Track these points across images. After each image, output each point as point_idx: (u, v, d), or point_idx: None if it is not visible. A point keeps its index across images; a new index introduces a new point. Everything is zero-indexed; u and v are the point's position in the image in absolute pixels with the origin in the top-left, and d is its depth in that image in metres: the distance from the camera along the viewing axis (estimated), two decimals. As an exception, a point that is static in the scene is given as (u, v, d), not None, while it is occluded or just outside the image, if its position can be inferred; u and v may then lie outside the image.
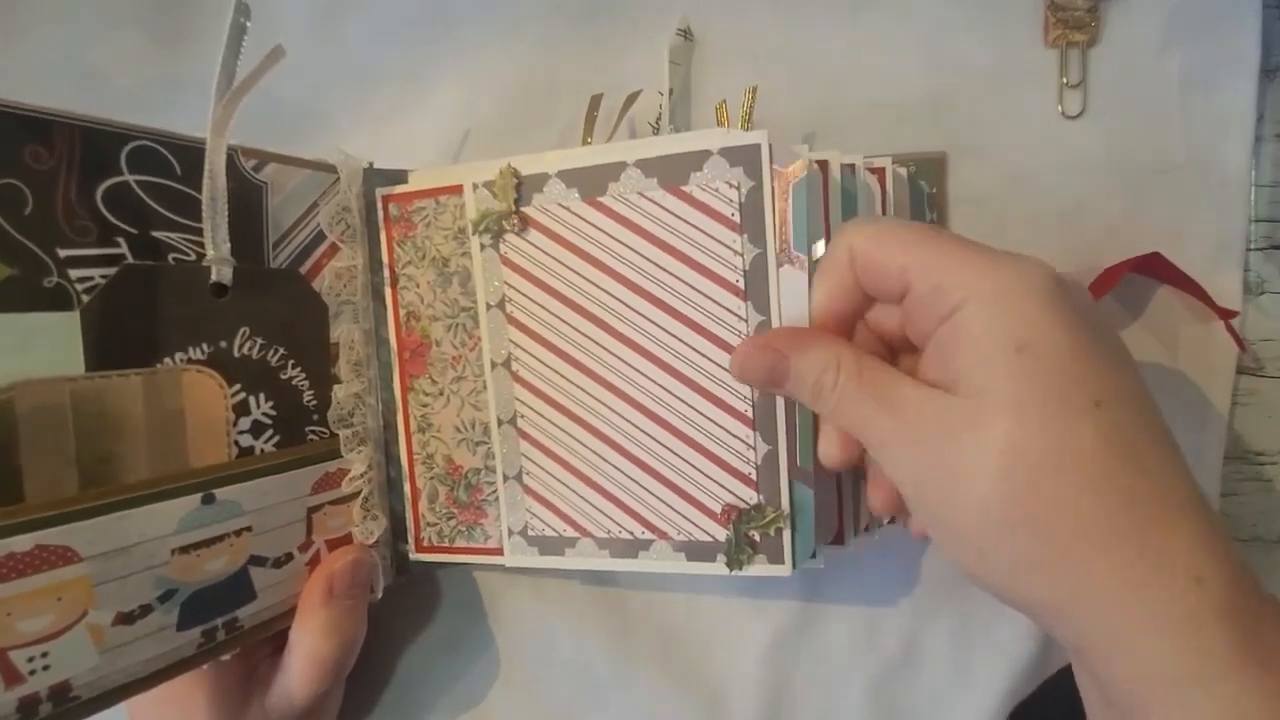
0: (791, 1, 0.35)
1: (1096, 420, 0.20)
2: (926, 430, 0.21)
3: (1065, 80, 0.33)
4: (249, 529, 0.28)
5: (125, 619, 0.25)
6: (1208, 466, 0.33)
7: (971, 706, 0.35)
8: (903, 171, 0.31)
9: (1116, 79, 0.33)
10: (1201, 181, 0.32)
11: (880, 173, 0.31)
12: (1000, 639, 0.35)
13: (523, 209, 0.31)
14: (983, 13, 0.33)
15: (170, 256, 0.26)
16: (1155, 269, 0.32)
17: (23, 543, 0.22)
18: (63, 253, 0.23)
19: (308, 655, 0.31)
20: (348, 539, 0.33)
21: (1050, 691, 0.34)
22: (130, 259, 0.25)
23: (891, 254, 0.23)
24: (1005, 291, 0.21)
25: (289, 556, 0.30)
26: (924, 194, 0.33)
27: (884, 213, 0.31)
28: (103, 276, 0.24)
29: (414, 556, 0.35)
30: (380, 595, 0.33)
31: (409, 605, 0.38)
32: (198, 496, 0.26)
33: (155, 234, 0.26)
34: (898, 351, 0.26)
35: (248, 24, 0.26)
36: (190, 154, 0.26)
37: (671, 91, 0.34)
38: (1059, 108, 0.33)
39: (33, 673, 0.23)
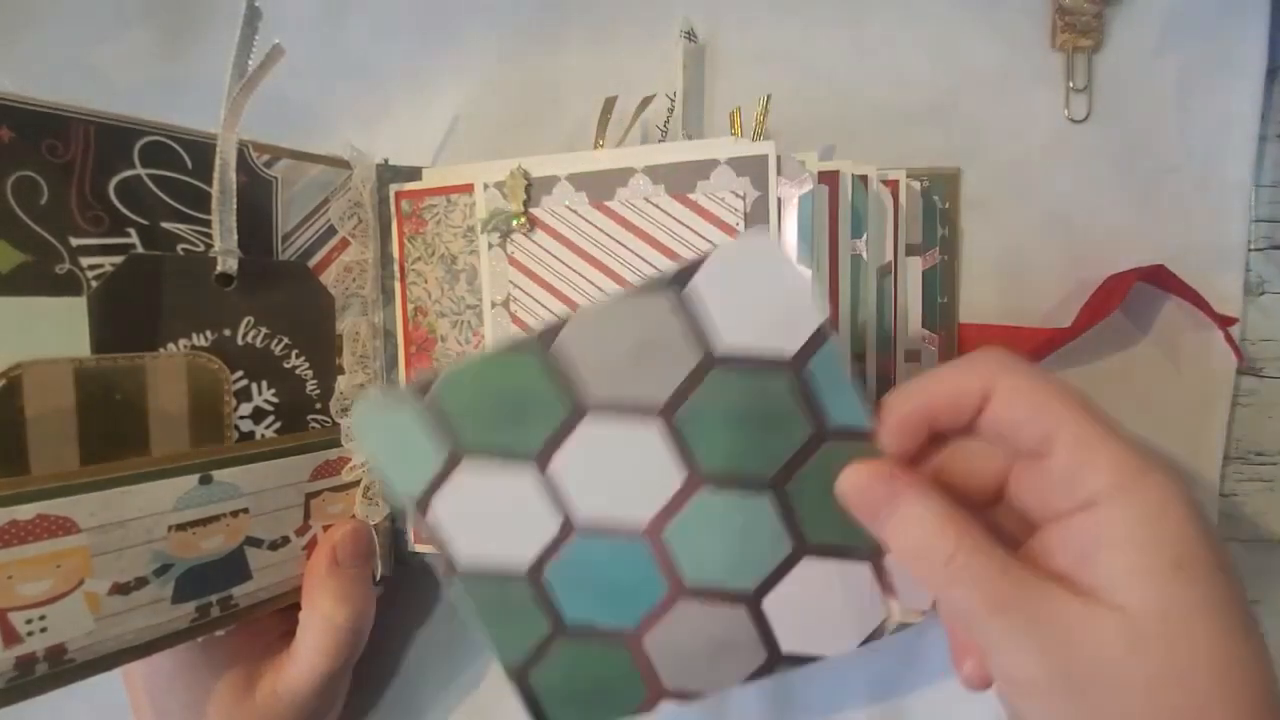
0: (798, 4, 0.34)
1: (1254, 644, 0.20)
2: (1058, 633, 0.21)
3: (1071, 84, 0.32)
4: (246, 511, 0.29)
5: (121, 589, 0.26)
6: (1207, 467, 0.33)
7: (974, 707, 0.35)
8: (916, 185, 0.30)
9: (1122, 83, 0.32)
10: (1203, 182, 0.32)
11: (894, 185, 0.30)
12: None
13: (531, 210, 0.32)
14: (990, 16, 0.33)
15: (179, 247, 0.27)
16: (1156, 279, 0.32)
17: (26, 511, 0.24)
18: (75, 241, 0.25)
19: (323, 624, 0.31)
20: (346, 525, 0.34)
21: None
22: (140, 249, 0.26)
23: (1042, 414, 0.22)
24: (1160, 504, 0.21)
25: (286, 540, 0.31)
26: (936, 209, 0.32)
27: (894, 226, 0.30)
28: (113, 265, 0.26)
29: (412, 547, 0.35)
30: (380, 576, 0.34)
31: (408, 604, 0.39)
32: (195, 477, 0.28)
33: (165, 225, 0.27)
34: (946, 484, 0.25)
35: (259, 23, 0.27)
36: (201, 149, 0.27)
37: (674, 94, 0.34)
38: (1065, 111, 0.32)
39: (30, 634, 0.24)
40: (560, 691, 0.26)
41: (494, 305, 0.33)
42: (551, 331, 0.24)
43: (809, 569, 0.26)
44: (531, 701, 0.26)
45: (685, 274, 0.24)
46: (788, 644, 0.26)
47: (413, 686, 0.39)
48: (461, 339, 0.34)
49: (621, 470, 0.25)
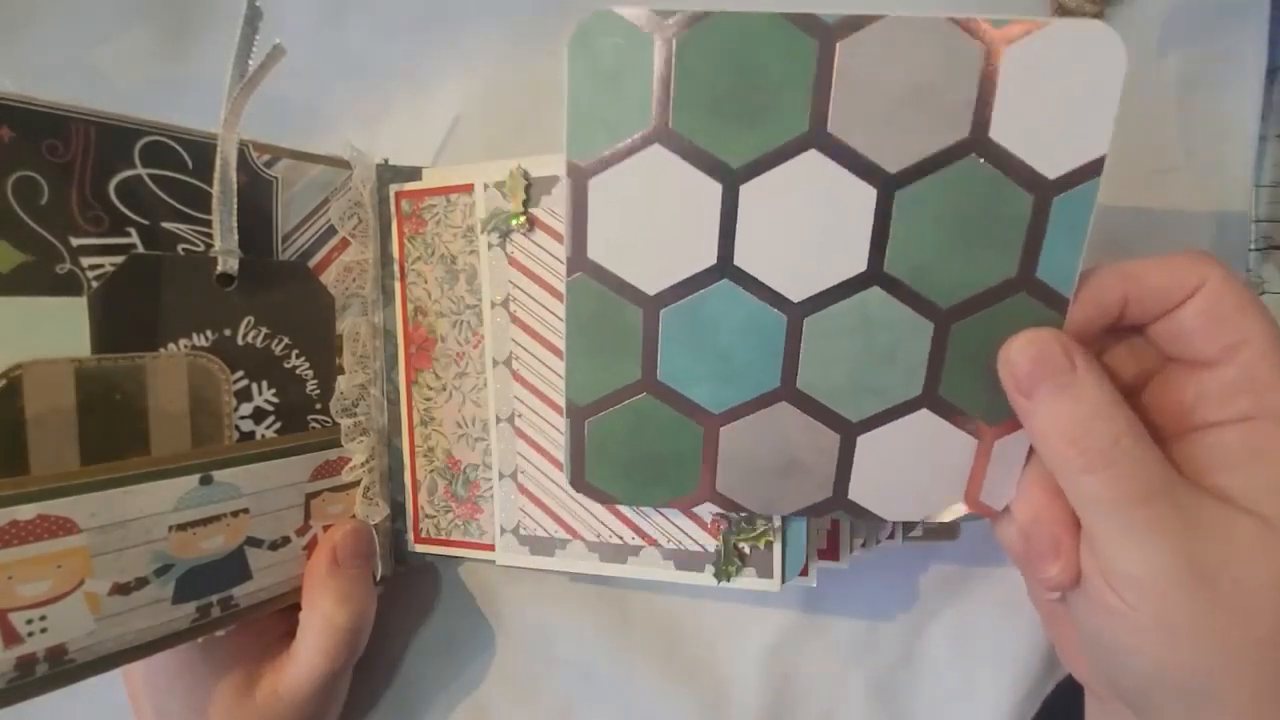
0: (798, 4, 0.34)
1: None
2: (1198, 527, 0.21)
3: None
4: (246, 511, 0.29)
5: (121, 589, 0.26)
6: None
7: (974, 707, 0.35)
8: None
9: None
10: (1202, 182, 0.32)
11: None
12: (1002, 639, 0.35)
13: (531, 210, 0.32)
14: (988, 14, 0.33)
15: (180, 247, 0.27)
16: None
17: (26, 511, 0.24)
18: (75, 241, 0.25)
19: (323, 624, 0.31)
20: (347, 524, 0.34)
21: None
22: (141, 249, 0.26)
23: (1243, 317, 0.22)
24: None
25: (286, 540, 0.31)
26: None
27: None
28: (113, 265, 0.26)
29: (412, 547, 0.35)
30: (380, 576, 0.34)
31: (408, 604, 0.39)
32: (196, 477, 0.27)
33: (166, 225, 0.27)
34: None
35: (259, 23, 0.27)
36: (202, 149, 0.27)
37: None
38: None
39: (30, 634, 0.24)
40: (612, 450, 0.24)
41: (494, 305, 0.33)
42: (854, 22, 0.21)
43: (920, 422, 0.24)
44: (577, 450, 0.24)
45: (1007, 32, 0.21)
46: (857, 491, 0.25)
47: (413, 686, 0.39)
48: (461, 339, 0.34)
49: (809, 228, 0.22)
